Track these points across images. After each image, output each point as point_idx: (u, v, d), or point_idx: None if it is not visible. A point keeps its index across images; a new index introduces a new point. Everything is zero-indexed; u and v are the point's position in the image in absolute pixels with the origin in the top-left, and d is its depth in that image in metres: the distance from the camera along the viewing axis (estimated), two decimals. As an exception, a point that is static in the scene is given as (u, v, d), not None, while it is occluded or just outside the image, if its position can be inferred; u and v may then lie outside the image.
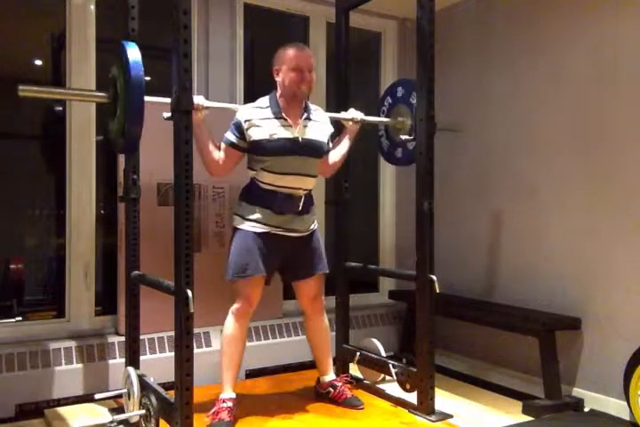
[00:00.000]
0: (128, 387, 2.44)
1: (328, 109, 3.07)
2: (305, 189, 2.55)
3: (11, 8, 2.97)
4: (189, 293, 2.05)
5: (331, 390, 2.70)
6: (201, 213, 3.13)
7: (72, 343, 2.84)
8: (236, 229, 2.52)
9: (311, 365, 2.98)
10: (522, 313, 2.97)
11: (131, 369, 2.46)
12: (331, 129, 2.69)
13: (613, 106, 2.78)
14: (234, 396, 2.47)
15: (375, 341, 3.05)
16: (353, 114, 2.76)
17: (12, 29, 3.03)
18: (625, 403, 2.57)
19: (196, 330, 2.20)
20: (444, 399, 2.82)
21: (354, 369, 3.09)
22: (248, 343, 2.61)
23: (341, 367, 3.04)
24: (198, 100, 2.29)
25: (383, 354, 2.96)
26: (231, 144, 2.50)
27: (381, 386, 2.97)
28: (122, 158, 2.77)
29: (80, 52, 2.98)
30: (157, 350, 2.96)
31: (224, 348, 2.49)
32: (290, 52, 2.46)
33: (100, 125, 3.00)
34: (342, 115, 2.79)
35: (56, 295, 3.11)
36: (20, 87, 1.99)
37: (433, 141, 2.60)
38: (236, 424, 2.41)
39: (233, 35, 3.38)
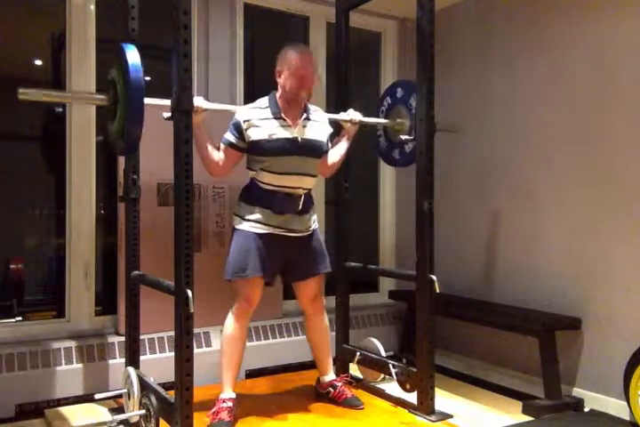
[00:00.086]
0: (128, 387, 2.44)
1: (328, 109, 3.07)
2: (304, 189, 2.55)
3: (11, 8, 2.97)
4: (189, 293, 2.05)
5: (331, 390, 2.70)
6: (201, 213, 3.13)
7: (72, 343, 2.84)
8: (235, 230, 2.52)
9: (311, 365, 2.98)
10: (522, 313, 2.97)
11: (131, 369, 2.46)
12: (330, 129, 2.69)
13: (613, 106, 2.78)
14: (234, 396, 2.47)
15: (375, 341, 3.05)
16: (351, 115, 2.76)
17: (12, 29, 3.03)
18: (625, 403, 2.57)
19: (196, 330, 2.20)
20: (443, 399, 2.82)
21: (354, 369, 3.09)
22: (248, 343, 2.61)
23: (341, 367, 3.04)
24: (198, 102, 2.29)
25: (383, 354, 2.96)
26: (230, 144, 2.50)
27: (381, 386, 2.97)
28: (122, 158, 2.78)
29: (80, 52, 2.98)
30: (157, 350, 2.96)
31: (224, 348, 2.49)
32: (294, 58, 2.44)
33: (99, 126, 3.00)
34: (341, 116, 2.79)
35: (56, 295, 3.11)
36: (20, 91, 1.99)
37: (433, 141, 2.60)
38: (235, 424, 2.41)
39: (233, 35, 3.38)
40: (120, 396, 2.55)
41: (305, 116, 2.54)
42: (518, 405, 2.82)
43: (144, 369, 2.57)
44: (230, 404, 2.42)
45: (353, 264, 3.05)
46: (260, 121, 2.47)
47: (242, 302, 2.48)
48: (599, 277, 2.82)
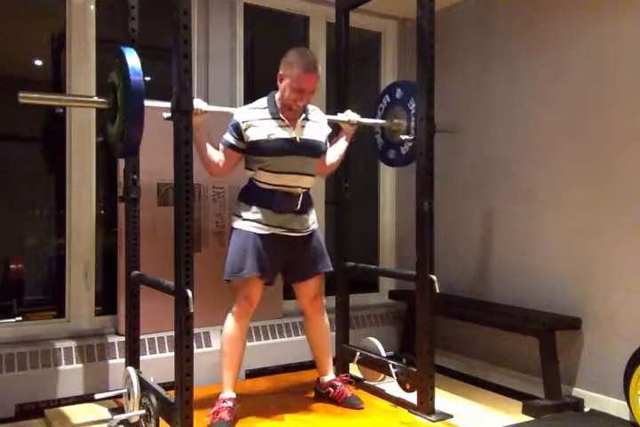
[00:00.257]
0: (128, 387, 2.44)
1: (328, 110, 3.08)
2: (303, 188, 2.55)
3: (11, 8, 2.97)
4: (189, 293, 2.05)
5: (331, 390, 2.70)
6: (201, 213, 3.13)
7: (72, 343, 2.84)
8: (234, 229, 2.53)
9: (311, 365, 2.98)
10: (522, 313, 2.97)
11: (131, 369, 2.46)
12: (328, 129, 2.70)
13: (613, 106, 2.78)
14: (234, 396, 2.47)
15: (375, 341, 3.05)
16: (349, 116, 2.77)
17: (12, 29, 3.03)
18: (625, 403, 2.57)
19: (196, 330, 2.20)
20: (444, 399, 2.82)
21: (354, 369, 3.09)
22: (248, 343, 2.61)
23: (341, 367, 3.04)
24: (198, 104, 2.30)
25: (383, 354, 2.96)
26: (230, 145, 2.51)
27: (381, 386, 2.97)
28: (122, 159, 2.78)
29: (80, 52, 2.98)
30: (157, 350, 2.96)
31: (224, 348, 2.49)
32: (298, 69, 2.40)
33: (100, 126, 3.00)
34: (339, 116, 2.79)
35: (56, 295, 3.11)
36: (20, 94, 1.99)
37: (433, 142, 2.60)
38: (236, 424, 2.41)
39: (233, 35, 3.38)
40: (120, 396, 2.55)
41: (303, 116, 2.55)
42: (518, 405, 2.82)
43: (144, 369, 2.57)
44: (230, 404, 2.43)
45: (353, 264, 3.05)
46: (259, 121, 2.47)
47: (241, 301, 2.48)
48: (599, 277, 2.82)
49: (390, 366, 2.76)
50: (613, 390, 2.71)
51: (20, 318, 2.99)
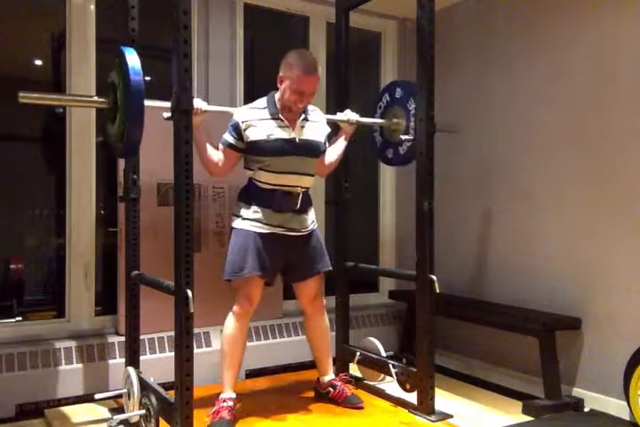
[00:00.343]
0: (128, 387, 2.44)
1: (328, 109, 3.08)
2: (303, 187, 2.56)
3: (11, 8, 2.97)
4: (189, 293, 2.05)
5: (330, 389, 2.70)
6: (201, 213, 3.13)
7: (72, 343, 2.84)
8: (234, 229, 2.53)
9: (311, 365, 2.98)
10: (522, 313, 2.97)
11: (131, 369, 2.46)
12: (327, 129, 2.70)
13: (613, 106, 2.78)
14: (234, 396, 2.47)
15: (375, 341, 3.05)
16: (349, 115, 2.77)
17: (12, 29, 3.03)
18: (625, 403, 2.57)
19: (196, 330, 2.20)
20: (444, 399, 2.82)
21: (354, 369, 3.09)
22: (248, 343, 2.61)
23: (341, 367, 3.04)
24: (197, 103, 2.30)
25: (383, 354, 2.96)
26: (229, 145, 2.51)
27: (381, 386, 2.97)
28: (122, 159, 2.78)
29: (80, 52, 2.98)
30: (157, 350, 2.96)
31: (224, 348, 2.49)
32: (298, 71, 2.40)
33: (99, 126, 3.00)
34: (338, 116, 2.79)
35: (56, 295, 3.11)
36: (20, 94, 1.99)
37: (433, 141, 2.60)
38: (236, 424, 2.41)
39: (233, 35, 3.38)
40: (120, 396, 2.55)
41: (303, 116, 2.55)
42: (518, 405, 2.82)
43: (144, 369, 2.57)
44: (231, 403, 2.43)
45: (353, 264, 3.05)
46: (259, 121, 2.48)
47: (242, 301, 2.48)
48: (599, 277, 2.82)
49: (390, 366, 2.76)
50: (613, 390, 2.71)
51: (20, 318, 2.99)
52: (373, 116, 3.02)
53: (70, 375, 2.78)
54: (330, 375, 2.75)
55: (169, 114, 2.13)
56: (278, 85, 2.50)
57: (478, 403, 2.90)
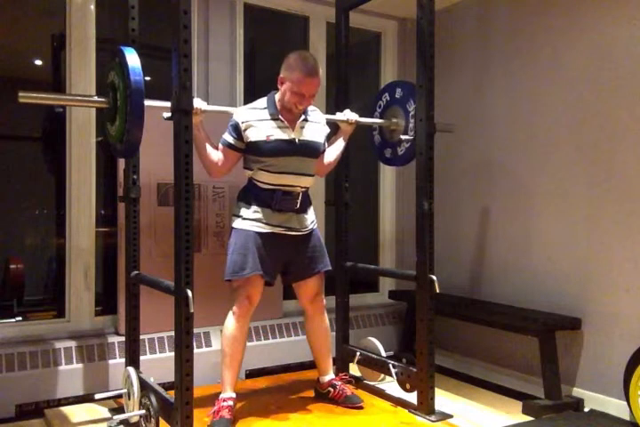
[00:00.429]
0: (128, 387, 2.44)
1: (327, 109, 3.07)
2: (302, 187, 2.56)
3: (11, 8, 2.97)
4: (189, 293, 2.05)
5: (330, 389, 2.70)
6: (201, 213, 3.13)
7: (72, 343, 2.84)
8: (234, 229, 2.52)
9: (311, 365, 2.98)
10: (522, 313, 2.97)
11: (131, 369, 2.46)
12: (327, 129, 2.70)
13: (613, 106, 2.78)
14: (234, 395, 2.47)
15: (375, 341, 3.05)
16: (348, 115, 2.77)
17: (12, 29, 3.04)
18: (625, 403, 2.57)
19: (195, 330, 2.20)
20: (444, 399, 2.82)
21: (354, 369, 3.09)
22: (248, 343, 2.60)
23: (341, 367, 3.04)
24: (197, 103, 2.30)
25: (383, 354, 2.96)
26: (229, 145, 2.51)
27: (381, 386, 2.97)
28: (122, 159, 2.78)
29: (80, 51, 2.98)
30: (157, 350, 2.96)
31: (224, 348, 2.49)
32: (299, 74, 2.40)
33: (99, 126, 3.00)
34: (337, 116, 2.79)
35: (56, 295, 3.11)
36: (20, 94, 1.99)
37: (433, 141, 2.60)
38: (236, 424, 2.41)
39: (233, 35, 3.38)
40: (120, 396, 2.55)
41: (303, 117, 2.55)
42: (518, 405, 2.82)
43: (144, 369, 2.57)
44: (231, 403, 2.43)
45: (353, 264, 3.05)
46: (258, 122, 2.48)
47: (242, 301, 2.48)
48: (599, 277, 2.82)
49: (390, 366, 2.76)
50: (613, 390, 2.71)
51: (20, 318, 3.00)
52: (373, 115, 3.02)
53: (70, 375, 2.78)
54: (330, 375, 2.75)
55: (169, 114, 2.13)
56: (279, 86, 2.50)
57: (478, 403, 2.90)
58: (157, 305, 2.68)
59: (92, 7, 3.02)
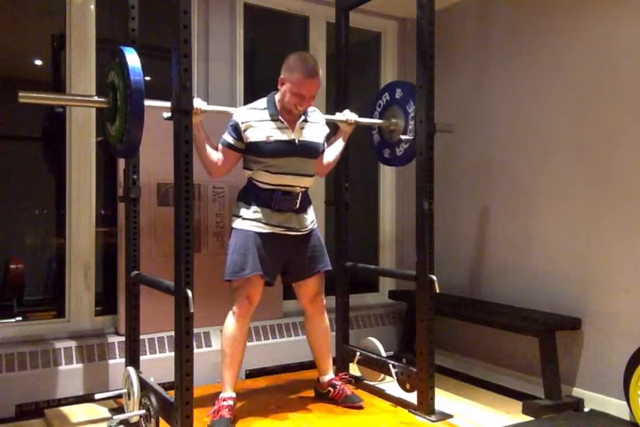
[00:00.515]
0: (128, 387, 2.44)
1: (327, 109, 3.07)
2: (302, 187, 2.56)
3: (11, 8, 2.97)
4: (189, 293, 2.05)
5: (330, 389, 2.70)
6: (201, 213, 3.13)
7: (72, 343, 2.84)
8: (234, 229, 2.52)
9: (311, 365, 2.98)
10: (522, 313, 2.97)
11: (131, 369, 2.46)
12: (327, 130, 2.71)
13: (614, 105, 2.78)
14: (234, 395, 2.47)
15: (375, 341, 3.05)
16: (347, 115, 2.77)
17: (12, 29, 3.04)
18: (625, 403, 2.57)
19: (195, 330, 2.20)
20: (444, 399, 2.82)
21: (354, 369, 3.09)
22: (248, 343, 2.60)
23: (341, 367, 3.04)
24: (197, 103, 2.30)
25: (383, 354, 2.96)
26: (229, 145, 2.51)
27: (381, 386, 2.97)
28: (122, 159, 2.78)
29: (80, 51, 2.98)
30: (157, 350, 2.96)
31: (224, 348, 2.49)
32: (299, 75, 2.40)
33: (99, 126, 3.00)
34: (337, 116, 2.79)
35: (56, 295, 3.11)
36: (20, 94, 1.99)
37: (433, 142, 2.60)
38: (236, 424, 2.41)
39: (233, 35, 3.38)
40: (120, 396, 2.55)
41: (303, 117, 2.55)
42: (518, 405, 2.82)
43: (144, 369, 2.57)
44: (231, 402, 2.43)
45: (352, 264, 3.05)
46: (258, 123, 2.48)
47: (242, 301, 2.48)
48: (599, 277, 2.82)
49: (390, 366, 2.76)
50: (613, 390, 2.71)
51: (20, 318, 3.00)
52: (372, 114, 3.02)
53: (70, 375, 2.78)
54: (330, 375, 2.75)
55: (169, 114, 2.13)
56: (279, 87, 2.50)
57: (478, 403, 2.90)
58: (157, 305, 2.68)
59: (92, 7, 3.02)
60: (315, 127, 2.60)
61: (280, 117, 2.50)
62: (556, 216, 3.03)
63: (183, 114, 2.07)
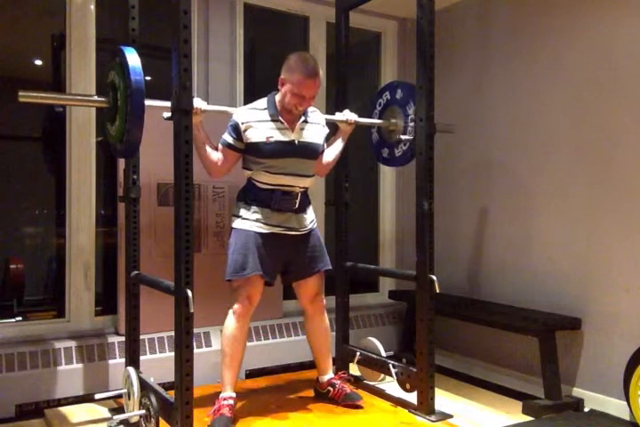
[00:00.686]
0: (128, 387, 2.44)
1: (327, 109, 3.07)
2: (301, 187, 2.57)
3: (11, 8, 2.97)
4: (189, 293, 2.05)
5: (330, 389, 2.70)
6: (201, 213, 3.13)
7: (72, 343, 2.84)
8: (234, 230, 2.53)
9: (311, 365, 2.98)
10: (522, 313, 2.97)
11: (131, 369, 2.46)
12: (326, 130, 2.71)
13: (614, 105, 2.78)
14: (234, 395, 2.47)
15: (375, 341, 3.05)
16: (347, 115, 2.77)
17: (12, 29, 3.04)
18: (625, 403, 2.57)
19: (195, 330, 2.20)
20: (444, 399, 2.82)
21: (354, 369, 3.09)
22: (248, 343, 2.60)
23: (341, 367, 3.04)
24: (197, 103, 2.30)
25: (383, 354, 2.96)
26: (228, 145, 2.51)
27: (381, 386, 2.97)
28: (122, 159, 2.78)
29: (80, 51, 2.98)
30: (157, 350, 2.96)
31: (225, 348, 2.49)
32: (300, 75, 2.40)
33: (99, 126, 3.00)
34: (336, 116, 2.79)
35: (56, 295, 3.11)
36: (20, 93, 1.99)
37: (433, 142, 2.60)
38: (236, 423, 2.41)
39: (233, 35, 3.38)
40: (120, 396, 2.55)
41: (303, 118, 2.55)
42: (518, 405, 2.82)
43: (144, 369, 2.57)
44: (231, 402, 2.43)
45: (352, 264, 3.05)
46: (258, 123, 2.48)
47: (242, 301, 2.48)
48: (599, 277, 2.82)
49: (390, 366, 2.76)
50: (613, 390, 2.71)
51: (20, 318, 3.00)
52: (372, 113, 3.02)
53: (70, 375, 2.78)
54: (329, 375, 2.74)
55: (169, 114, 2.13)
56: (279, 87, 2.50)
57: (478, 403, 2.90)
58: (157, 305, 2.68)
59: (92, 7, 3.02)
60: (315, 128, 2.60)
61: (280, 118, 2.50)
62: (556, 216, 3.03)
63: (183, 114, 2.07)
